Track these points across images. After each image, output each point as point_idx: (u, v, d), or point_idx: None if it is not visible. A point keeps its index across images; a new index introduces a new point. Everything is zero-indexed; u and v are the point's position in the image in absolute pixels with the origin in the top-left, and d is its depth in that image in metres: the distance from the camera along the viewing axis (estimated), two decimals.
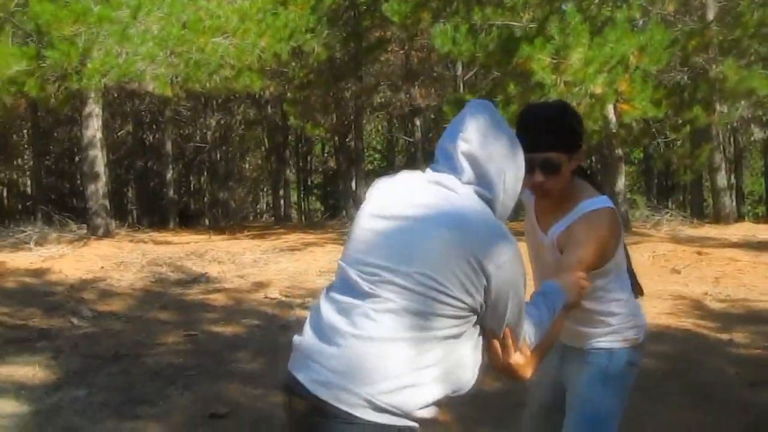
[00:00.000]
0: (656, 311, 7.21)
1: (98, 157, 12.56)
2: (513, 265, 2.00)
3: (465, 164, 2.09)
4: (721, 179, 14.75)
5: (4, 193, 28.31)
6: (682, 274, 9.06)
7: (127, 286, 8.41)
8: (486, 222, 2.03)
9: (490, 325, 2.05)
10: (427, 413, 2.02)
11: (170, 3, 10.85)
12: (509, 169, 2.12)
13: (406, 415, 1.97)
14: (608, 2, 11.64)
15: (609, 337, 2.72)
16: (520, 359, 2.10)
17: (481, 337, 2.11)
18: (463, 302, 1.97)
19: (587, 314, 2.60)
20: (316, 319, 2.07)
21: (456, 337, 2.01)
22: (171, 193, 19.50)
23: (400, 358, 1.96)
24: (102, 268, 9.57)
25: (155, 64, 10.83)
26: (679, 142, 14.82)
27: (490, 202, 2.09)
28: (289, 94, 15.19)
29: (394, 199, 2.12)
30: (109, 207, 13.01)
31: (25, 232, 12.61)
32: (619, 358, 2.73)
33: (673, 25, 12.96)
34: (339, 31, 14.63)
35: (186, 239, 13.18)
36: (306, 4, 12.22)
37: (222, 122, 25.21)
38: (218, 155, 26.80)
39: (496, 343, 2.06)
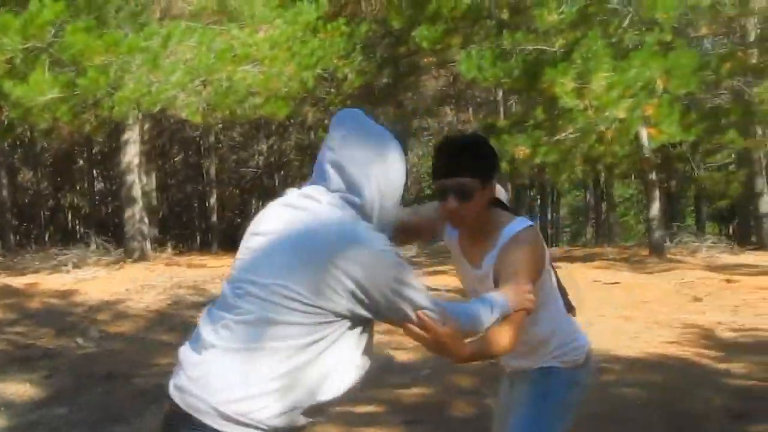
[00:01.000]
0: (660, 340, 7.07)
1: (135, 182, 12.92)
2: (379, 260, 2.01)
3: (332, 172, 2.12)
4: (764, 204, 14.34)
5: (69, 217, 29.28)
6: (703, 302, 8.84)
7: (143, 308, 8.60)
8: (342, 227, 2.04)
9: (395, 318, 2.07)
10: (281, 422, 2.03)
11: (201, 33, 11.17)
12: (381, 173, 2.13)
13: (256, 425, 2.00)
14: (637, 26, 11.50)
15: (550, 361, 2.74)
16: (446, 332, 2.09)
17: (362, 342, 2.13)
18: (324, 309, 1.99)
19: (524, 341, 2.58)
20: (195, 331, 2.16)
21: (318, 343, 2.03)
22: (214, 217, 19.91)
23: (252, 367, 2.01)
24: (126, 290, 9.81)
25: (186, 92, 11.14)
26: (716, 167, 14.50)
27: (360, 208, 2.11)
28: (326, 121, 15.36)
29: (267, 216, 2.20)
30: (145, 231, 13.34)
31: (67, 254, 13.03)
32: (561, 377, 2.74)
33: (710, 47, 12.77)
34: (374, 58, 14.77)
35: (222, 263, 13.39)
36: (336, 31, 12.41)
37: (274, 147, 25.70)
38: (275, 180, 27.29)
39: (414, 328, 2.07)
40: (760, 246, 14.08)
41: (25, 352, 6.60)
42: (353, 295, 2.00)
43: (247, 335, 2.01)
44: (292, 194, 2.21)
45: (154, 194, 17.89)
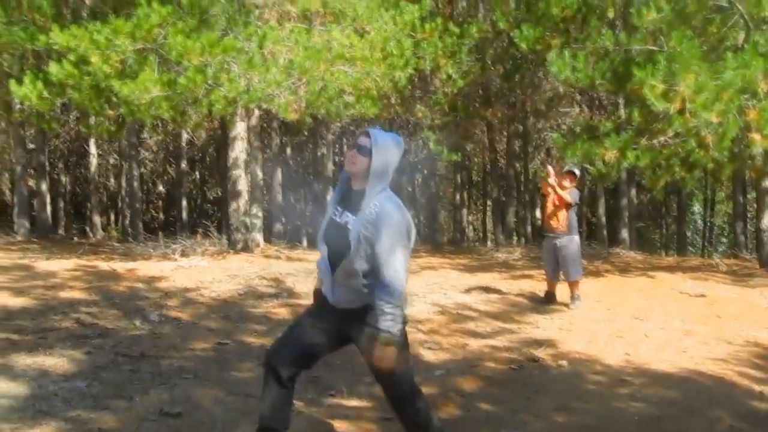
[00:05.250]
0: (708, 356, 6.71)
1: (241, 177, 13.52)
2: None
3: None
4: None
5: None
6: None
7: (213, 296, 9.03)
8: None
9: None
10: None
11: (297, 33, 11.58)
12: None
13: None
14: (744, 26, 10.82)
15: None
16: None
17: None
18: None
19: None
20: None
21: None
22: None
23: None
24: (212, 279, 10.31)
25: (282, 90, 11.55)
26: None
27: None
28: (432, 121, 15.43)
29: None
30: (249, 223, 13.93)
31: (177, 243, 13.80)
32: None
33: None
34: (482, 59, 14.69)
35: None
36: (435, 31, 12.47)
37: None
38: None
39: None
40: None
41: (84, 330, 7.11)
42: None
43: None
44: None
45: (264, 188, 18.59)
